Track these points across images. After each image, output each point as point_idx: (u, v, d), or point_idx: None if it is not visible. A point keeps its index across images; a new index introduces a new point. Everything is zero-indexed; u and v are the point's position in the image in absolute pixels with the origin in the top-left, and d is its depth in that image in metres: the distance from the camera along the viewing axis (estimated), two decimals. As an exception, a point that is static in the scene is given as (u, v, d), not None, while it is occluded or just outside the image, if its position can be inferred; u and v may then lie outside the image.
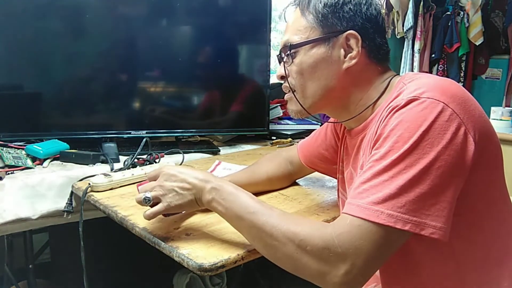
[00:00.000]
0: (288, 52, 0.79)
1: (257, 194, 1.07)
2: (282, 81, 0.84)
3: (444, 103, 0.60)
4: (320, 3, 0.75)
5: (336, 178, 0.95)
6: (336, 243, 0.60)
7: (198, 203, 0.76)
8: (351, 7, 0.75)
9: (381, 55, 0.78)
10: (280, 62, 0.83)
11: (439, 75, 3.14)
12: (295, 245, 0.62)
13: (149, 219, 0.80)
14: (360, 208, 0.60)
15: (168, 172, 0.78)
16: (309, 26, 0.77)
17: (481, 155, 0.62)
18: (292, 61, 0.79)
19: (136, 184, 0.88)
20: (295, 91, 0.80)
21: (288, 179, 1.13)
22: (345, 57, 0.75)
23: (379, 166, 0.61)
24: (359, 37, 0.74)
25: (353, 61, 0.75)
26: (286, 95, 0.84)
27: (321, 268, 0.61)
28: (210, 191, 0.74)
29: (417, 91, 0.63)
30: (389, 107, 0.65)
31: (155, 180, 0.80)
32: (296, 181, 1.16)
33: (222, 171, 1.26)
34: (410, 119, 0.61)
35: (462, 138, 0.60)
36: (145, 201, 0.77)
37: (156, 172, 0.81)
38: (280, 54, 0.82)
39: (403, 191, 0.58)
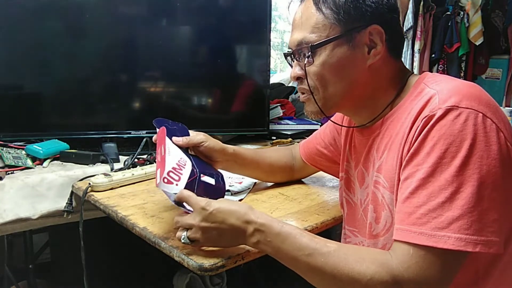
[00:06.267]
0: (308, 53, 0.73)
1: (257, 187, 1.09)
2: (297, 82, 0.78)
3: (482, 113, 0.59)
4: None
5: (338, 177, 0.93)
6: (406, 277, 0.57)
7: (240, 243, 0.71)
8: None
9: (399, 48, 0.75)
10: (286, 59, 0.79)
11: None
12: (363, 286, 0.59)
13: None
14: (425, 235, 0.57)
15: (205, 211, 0.69)
16: (328, 23, 0.71)
17: None
18: (313, 62, 0.73)
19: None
20: (313, 92, 0.75)
21: (290, 173, 1.12)
22: (368, 53, 0.71)
23: (431, 186, 0.59)
24: (382, 31, 0.71)
25: (377, 57, 0.71)
26: (302, 96, 0.79)
27: None
28: (254, 234, 0.68)
29: (453, 99, 0.61)
30: (425, 117, 0.62)
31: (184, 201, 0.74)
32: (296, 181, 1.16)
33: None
34: (453, 133, 0.58)
35: (504, 146, 0.59)
36: (184, 242, 0.72)
37: (188, 199, 0.73)
38: (293, 54, 0.77)
39: (466, 211, 0.56)
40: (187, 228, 0.72)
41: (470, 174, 0.57)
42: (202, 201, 0.71)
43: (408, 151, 0.64)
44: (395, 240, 0.61)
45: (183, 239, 0.72)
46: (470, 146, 0.58)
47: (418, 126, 0.63)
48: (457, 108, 0.60)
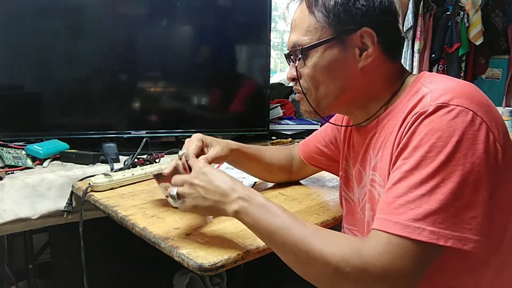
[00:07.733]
0: (300, 55, 0.74)
1: (257, 187, 1.08)
2: (293, 82, 0.80)
3: (473, 111, 0.59)
4: (331, 1, 0.71)
5: (338, 176, 0.94)
6: (377, 264, 0.57)
7: (221, 211, 0.72)
8: (364, 2, 0.70)
9: (395, 49, 0.75)
10: (286, 61, 0.80)
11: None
12: (333, 266, 0.59)
13: (184, 212, 0.80)
14: (400, 225, 0.58)
15: (200, 170, 0.75)
16: (319, 26, 0.72)
17: (505, 161, 0.61)
18: (305, 64, 0.74)
19: (155, 177, 0.87)
20: (306, 93, 0.77)
21: (288, 174, 1.13)
22: (360, 55, 0.72)
23: (413, 179, 0.59)
24: (374, 33, 0.71)
25: (369, 59, 0.72)
26: (297, 95, 0.81)
27: None
28: (236, 201, 0.69)
29: (444, 97, 0.61)
30: (415, 113, 0.62)
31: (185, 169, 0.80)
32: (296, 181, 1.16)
33: (225, 170, 1.26)
34: (441, 128, 0.59)
35: (492, 146, 0.59)
36: (172, 198, 0.76)
37: (192, 162, 0.79)
38: (289, 55, 0.79)
39: (443, 206, 0.57)
40: (181, 185, 0.75)
41: (453, 170, 0.57)
42: (202, 162, 0.78)
43: (398, 146, 0.64)
44: (373, 229, 0.62)
45: (172, 192, 0.76)
46: (456, 143, 0.58)
47: (408, 122, 0.64)
48: (447, 105, 0.60)
